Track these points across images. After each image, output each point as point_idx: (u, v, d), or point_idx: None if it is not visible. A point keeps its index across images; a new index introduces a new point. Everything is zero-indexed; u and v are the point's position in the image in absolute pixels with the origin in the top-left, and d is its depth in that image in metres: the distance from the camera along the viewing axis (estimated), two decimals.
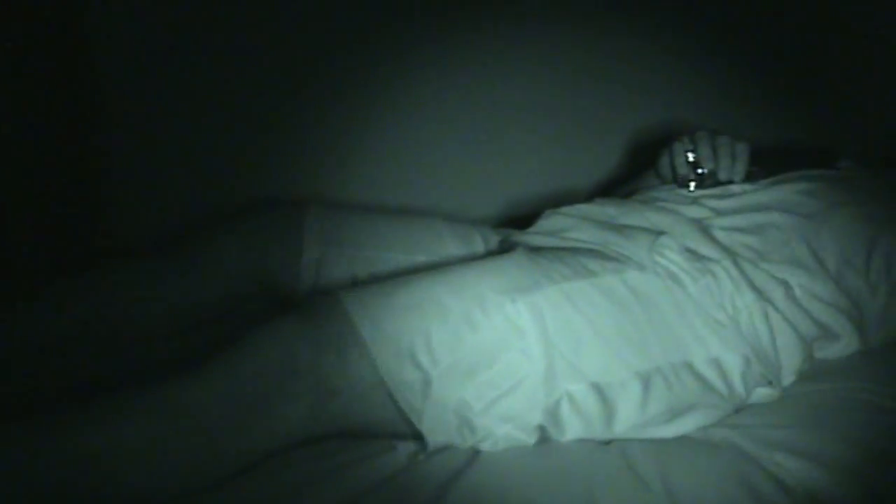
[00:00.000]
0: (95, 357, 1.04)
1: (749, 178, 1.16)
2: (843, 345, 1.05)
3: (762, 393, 0.99)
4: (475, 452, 0.87)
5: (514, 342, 0.88)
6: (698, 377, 0.95)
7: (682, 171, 1.16)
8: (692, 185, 1.15)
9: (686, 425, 0.94)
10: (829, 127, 1.76)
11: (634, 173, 1.42)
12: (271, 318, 0.88)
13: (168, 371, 0.84)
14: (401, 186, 1.49)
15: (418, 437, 0.86)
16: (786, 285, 1.03)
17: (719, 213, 1.10)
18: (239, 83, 1.42)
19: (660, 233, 1.02)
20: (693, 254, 1.01)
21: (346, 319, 0.86)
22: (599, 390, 0.90)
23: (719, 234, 1.07)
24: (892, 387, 0.96)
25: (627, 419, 0.91)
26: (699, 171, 1.15)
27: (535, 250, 1.03)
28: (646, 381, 0.92)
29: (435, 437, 0.86)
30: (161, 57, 1.38)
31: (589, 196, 1.35)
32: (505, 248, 1.11)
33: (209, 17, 1.38)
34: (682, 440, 0.92)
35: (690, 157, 1.15)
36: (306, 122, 1.44)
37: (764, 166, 1.18)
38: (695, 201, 1.12)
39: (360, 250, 1.14)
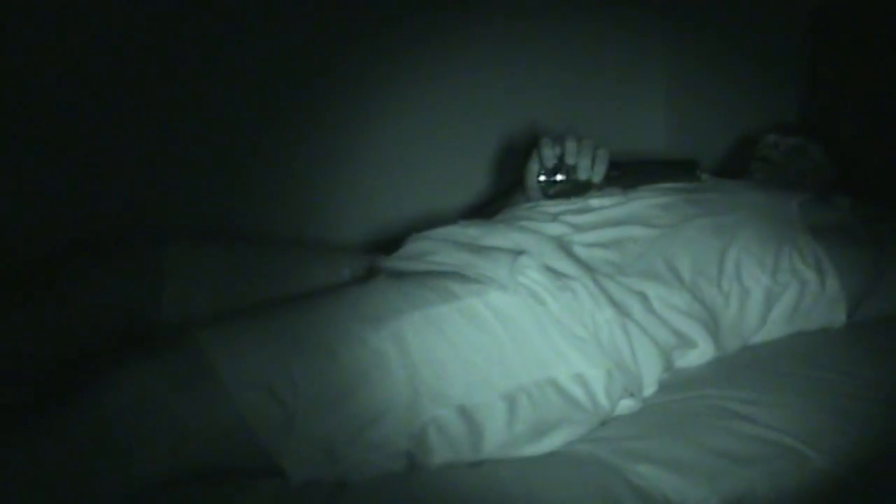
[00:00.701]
0: None
1: (610, 181, 1.20)
2: (700, 352, 1.09)
3: (625, 405, 1.01)
4: (341, 484, 0.86)
5: (377, 371, 0.88)
6: (563, 393, 0.96)
7: (547, 169, 1.19)
8: (554, 186, 1.19)
9: (553, 442, 0.95)
10: (686, 133, 1.84)
11: (502, 192, 1.45)
12: (124, 359, 0.85)
13: (11, 422, 0.80)
14: (267, 213, 1.47)
15: (283, 472, 0.84)
16: (643, 297, 1.06)
17: (579, 228, 1.13)
18: (96, 105, 1.36)
19: (520, 252, 1.03)
20: (553, 272, 1.03)
21: (201, 356, 0.84)
22: (465, 413, 0.91)
23: (579, 251, 1.09)
24: (745, 391, 1.00)
25: (495, 440, 0.92)
26: (558, 176, 1.19)
27: (399, 276, 1.03)
28: (511, 401, 0.93)
29: (298, 472, 0.84)
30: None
31: (459, 217, 1.36)
32: (370, 275, 1.10)
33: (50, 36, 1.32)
34: (548, 457, 0.93)
35: (553, 153, 1.20)
36: (167, 151, 1.40)
37: (626, 173, 1.22)
38: (555, 219, 1.14)
39: (223, 283, 1.12)
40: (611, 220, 1.14)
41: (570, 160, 1.19)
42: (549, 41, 1.72)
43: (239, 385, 0.82)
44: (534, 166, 1.22)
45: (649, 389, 1.03)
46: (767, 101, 1.78)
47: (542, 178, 1.21)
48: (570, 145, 1.19)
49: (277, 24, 1.45)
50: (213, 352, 0.84)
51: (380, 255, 1.19)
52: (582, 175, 1.19)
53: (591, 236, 1.12)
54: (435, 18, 1.55)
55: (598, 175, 1.20)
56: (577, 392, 0.97)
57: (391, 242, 1.20)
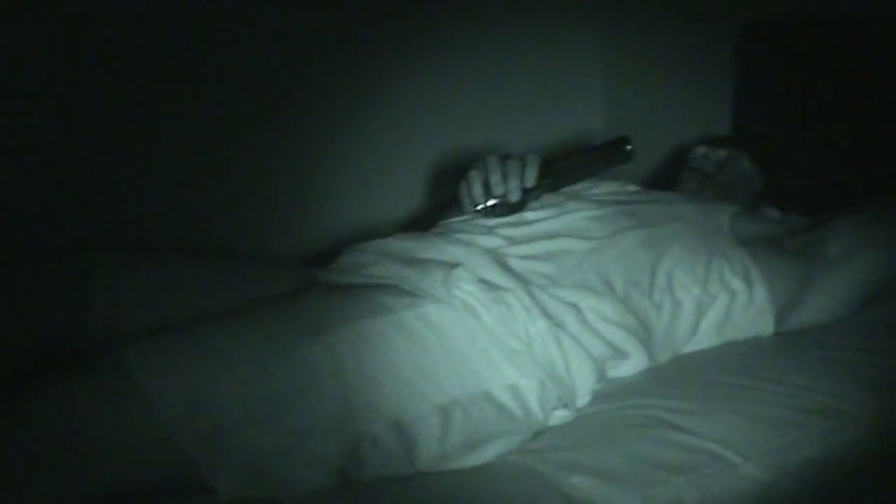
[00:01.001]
0: None
1: (545, 188, 1.21)
2: (633, 363, 1.10)
3: (559, 415, 1.02)
4: (272, 501, 0.84)
5: (309, 385, 0.87)
6: (496, 405, 0.96)
7: (479, 199, 1.19)
8: (488, 212, 1.19)
9: (487, 454, 0.95)
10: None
11: (439, 205, 1.45)
12: (51, 376, 0.83)
13: None
14: (203, 224, 1.45)
15: (213, 490, 0.83)
16: (576, 309, 1.07)
17: (514, 241, 1.14)
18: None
19: (455, 265, 1.04)
20: (487, 284, 1.03)
21: (128, 373, 0.82)
22: (399, 427, 0.90)
23: (514, 263, 1.10)
24: (676, 401, 1.02)
25: (428, 454, 0.92)
26: (491, 202, 1.18)
27: (334, 289, 1.03)
28: (445, 414, 0.93)
29: (228, 489, 0.83)
30: None
31: (396, 229, 1.36)
32: (304, 288, 1.09)
33: None
34: (481, 469, 0.93)
35: (482, 184, 1.19)
36: (92, 162, 1.37)
37: (560, 175, 1.23)
38: (490, 231, 1.15)
39: (152, 296, 1.09)
40: (545, 232, 1.15)
41: (497, 191, 1.18)
42: (487, 53, 1.73)
43: (166, 402, 0.81)
44: (464, 195, 1.21)
45: (582, 400, 1.04)
46: (701, 113, 1.82)
47: (476, 208, 1.20)
48: (494, 178, 1.18)
49: (211, 39, 1.43)
50: (141, 369, 0.82)
51: (315, 268, 1.18)
52: (513, 198, 1.19)
53: (525, 249, 1.12)
54: (369, 33, 1.55)
55: (529, 180, 1.19)
56: (511, 404, 0.97)
57: (327, 255, 1.20)
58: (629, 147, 1.26)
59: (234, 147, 1.49)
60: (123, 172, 1.39)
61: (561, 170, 1.23)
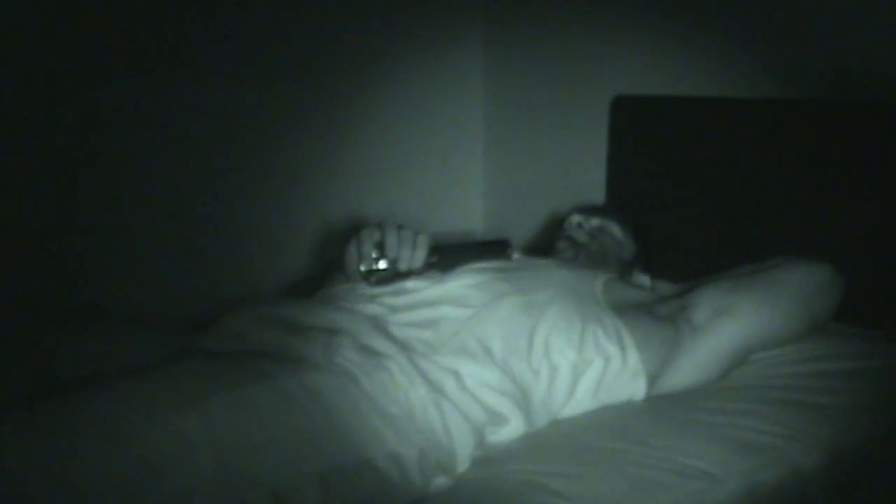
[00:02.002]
0: None
1: (429, 266, 1.22)
2: (512, 428, 1.12)
3: (438, 482, 1.02)
4: None
5: (181, 455, 0.84)
6: (377, 473, 0.96)
7: (367, 260, 1.20)
8: (375, 275, 1.19)
9: None
10: (501, 212, 1.90)
11: (322, 272, 1.45)
12: None
13: None
14: (78, 287, 1.39)
15: None
16: (456, 375, 1.08)
17: (395, 309, 1.15)
18: None
19: (336, 332, 1.03)
20: (368, 351, 1.03)
21: None
22: (277, 497, 0.88)
23: (395, 330, 1.11)
24: (553, 464, 1.03)
25: None
26: (381, 264, 1.20)
27: (211, 355, 1.01)
28: (324, 483, 0.91)
29: None
30: None
31: (279, 295, 1.35)
32: (182, 354, 1.07)
33: None
34: None
35: (373, 244, 1.20)
36: None
37: (444, 257, 1.25)
38: (372, 300, 1.16)
39: (19, 362, 1.05)
40: (426, 300, 1.17)
41: (391, 254, 1.20)
42: (369, 127, 1.75)
43: (27, 475, 0.77)
44: (353, 253, 1.22)
45: (462, 466, 1.05)
46: (577, 183, 1.89)
47: (363, 267, 1.21)
48: (391, 240, 1.20)
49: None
50: (3, 440, 0.78)
51: (192, 333, 1.15)
52: (402, 266, 1.20)
53: (407, 317, 1.14)
54: (253, 96, 1.55)
55: (417, 261, 1.21)
56: (391, 471, 0.97)
57: (205, 320, 1.17)
58: (510, 252, 1.32)
59: (110, 203, 1.45)
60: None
61: (446, 255, 1.26)
